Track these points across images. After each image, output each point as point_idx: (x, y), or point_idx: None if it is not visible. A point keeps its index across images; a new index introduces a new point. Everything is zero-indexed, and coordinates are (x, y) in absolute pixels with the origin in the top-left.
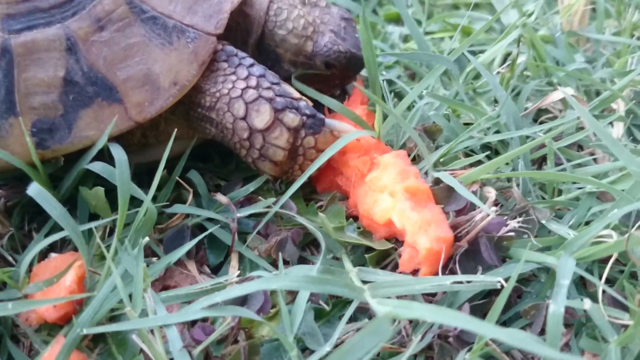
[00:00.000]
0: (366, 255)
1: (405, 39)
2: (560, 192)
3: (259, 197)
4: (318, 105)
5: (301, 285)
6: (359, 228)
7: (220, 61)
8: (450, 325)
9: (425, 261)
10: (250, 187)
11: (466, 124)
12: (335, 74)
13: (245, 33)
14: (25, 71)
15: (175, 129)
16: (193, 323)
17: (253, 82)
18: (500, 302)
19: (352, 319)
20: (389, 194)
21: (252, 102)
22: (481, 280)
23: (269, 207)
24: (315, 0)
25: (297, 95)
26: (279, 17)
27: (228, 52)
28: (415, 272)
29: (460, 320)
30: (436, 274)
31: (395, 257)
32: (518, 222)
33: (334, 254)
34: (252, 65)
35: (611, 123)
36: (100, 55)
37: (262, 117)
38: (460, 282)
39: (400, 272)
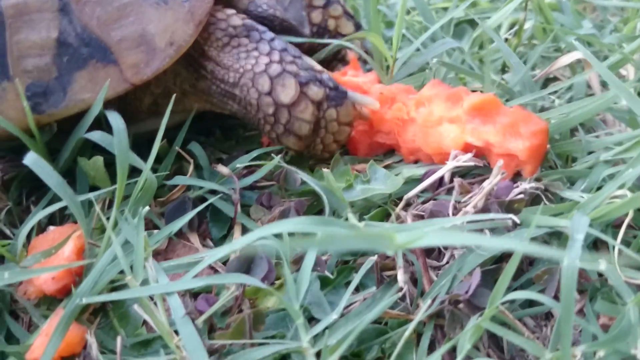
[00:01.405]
0: (366, 217)
1: (409, 11)
2: (574, 160)
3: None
4: None
5: (304, 227)
6: None
7: (242, 37)
8: (457, 244)
9: (529, 159)
10: (253, 153)
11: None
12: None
13: None
14: (17, 33)
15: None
16: (196, 296)
17: (276, 56)
18: (511, 265)
19: (359, 288)
20: (450, 121)
21: (277, 77)
22: (492, 219)
23: (271, 179)
24: None
25: (319, 67)
26: None
27: (248, 26)
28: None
29: (467, 239)
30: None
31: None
32: (529, 185)
33: (340, 214)
34: (273, 39)
35: None
36: (94, 15)
37: (287, 92)
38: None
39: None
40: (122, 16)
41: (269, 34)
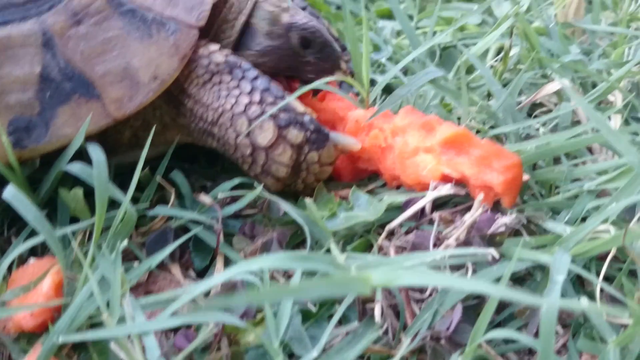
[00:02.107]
0: (349, 248)
1: (398, 33)
2: (557, 189)
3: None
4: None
5: (284, 263)
6: None
7: (224, 74)
8: (434, 285)
9: (506, 192)
10: (235, 181)
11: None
12: (309, 62)
13: (230, 13)
14: (0, 68)
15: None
16: (177, 330)
17: (257, 96)
18: (493, 301)
19: (341, 322)
20: (425, 151)
21: (256, 119)
22: (473, 253)
23: (255, 206)
24: None
25: (301, 109)
26: None
27: (231, 63)
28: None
29: (444, 280)
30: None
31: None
32: (510, 217)
33: (322, 244)
34: (256, 78)
35: (609, 115)
36: (77, 49)
37: (265, 135)
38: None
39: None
40: (106, 50)
41: (253, 72)
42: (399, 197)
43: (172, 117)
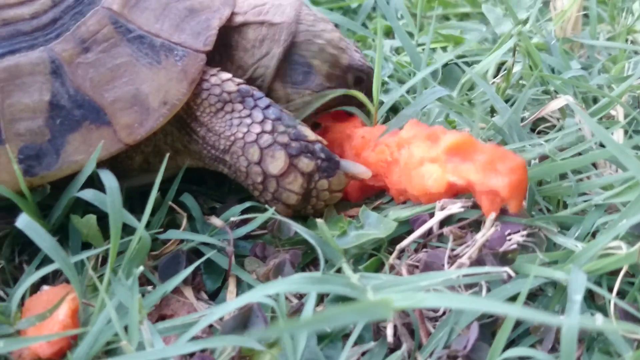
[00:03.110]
0: (360, 267)
1: (397, 51)
2: (565, 204)
3: (256, 216)
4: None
5: (300, 287)
6: None
7: (236, 102)
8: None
9: (512, 195)
10: (246, 204)
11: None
12: (354, 95)
13: (270, 42)
14: (10, 97)
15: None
16: (193, 354)
17: (268, 126)
18: (510, 320)
19: (357, 342)
20: (431, 161)
21: (267, 148)
22: (487, 272)
23: (265, 227)
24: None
25: (312, 137)
26: (315, 27)
27: (243, 92)
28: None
29: (465, 302)
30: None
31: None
32: (522, 236)
33: (333, 263)
34: (267, 107)
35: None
36: (87, 77)
37: (276, 164)
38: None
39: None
40: (115, 77)
41: (265, 101)
42: (407, 212)
43: (184, 143)
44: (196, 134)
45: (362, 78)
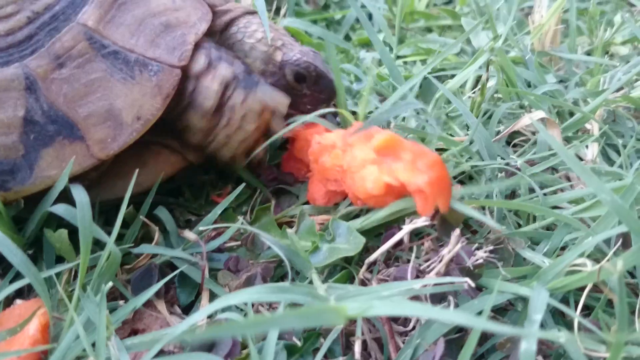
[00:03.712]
0: (330, 280)
1: (379, 63)
2: (535, 219)
3: (229, 226)
4: None
5: (263, 296)
6: None
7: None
8: (410, 314)
9: (434, 192)
10: (217, 210)
11: (438, 149)
12: (306, 95)
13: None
14: None
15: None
16: None
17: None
18: (473, 337)
19: (327, 356)
20: (371, 163)
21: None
22: (449, 282)
23: (239, 239)
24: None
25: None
26: (248, 28)
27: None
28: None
29: (419, 310)
30: (449, 202)
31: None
32: (485, 251)
33: (305, 275)
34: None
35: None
36: (61, 92)
37: (199, 61)
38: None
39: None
40: (89, 92)
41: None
42: (373, 220)
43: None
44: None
45: (301, 74)
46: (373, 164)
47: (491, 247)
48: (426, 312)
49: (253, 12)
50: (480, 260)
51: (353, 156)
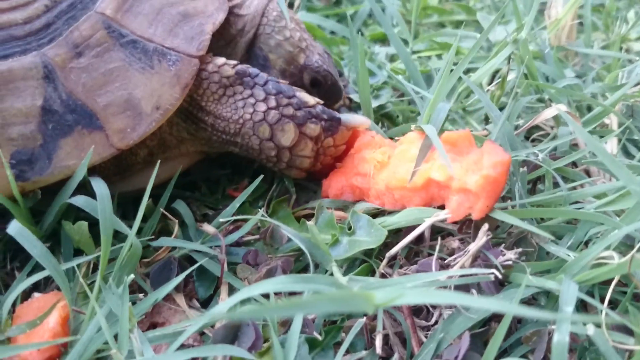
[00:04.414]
0: (350, 274)
1: (392, 58)
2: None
3: (248, 218)
4: None
5: (286, 286)
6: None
7: (236, 85)
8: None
9: (482, 192)
10: (236, 204)
11: None
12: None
13: (235, 32)
14: (2, 101)
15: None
16: None
17: (272, 102)
18: (501, 329)
19: (349, 350)
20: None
21: (276, 123)
22: (475, 273)
23: (255, 234)
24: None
25: (312, 101)
26: (278, 23)
27: (240, 73)
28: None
29: (452, 298)
30: (492, 207)
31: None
32: (515, 253)
33: (325, 268)
34: (266, 82)
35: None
36: (79, 81)
37: (287, 136)
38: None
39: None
40: (108, 82)
41: (262, 77)
42: (394, 219)
43: (191, 132)
44: (204, 123)
45: (318, 80)
46: (426, 161)
47: (520, 250)
48: (457, 299)
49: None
50: (509, 262)
51: (407, 149)
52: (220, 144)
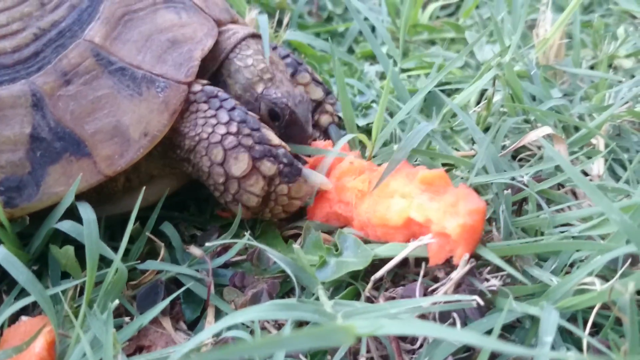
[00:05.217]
0: (337, 297)
1: (382, 76)
2: (542, 235)
3: (235, 242)
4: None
5: (270, 314)
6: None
7: (201, 102)
8: (420, 334)
9: (460, 240)
10: (226, 236)
11: (444, 165)
12: (277, 131)
13: (217, 56)
14: None
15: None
16: None
17: (234, 128)
18: (484, 354)
19: None
20: (401, 196)
21: (231, 150)
22: (457, 299)
23: (243, 255)
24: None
25: (276, 142)
26: (243, 51)
27: (208, 92)
28: (447, 263)
29: (429, 329)
30: (472, 252)
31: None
32: (500, 279)
33: (311, 291)
34: (233, 108)
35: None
36: (67, 109)
37: (239, 165)
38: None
39: (431, 267)
40: (96, 109)
41: (231, 102)
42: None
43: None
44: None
45: (276, 112)
46: (402, 197)
47: (504, 273)
48: (436, 331)
49: (258, 36)
50: (494, 288)
51: (387, 184)
52: (175, 161)
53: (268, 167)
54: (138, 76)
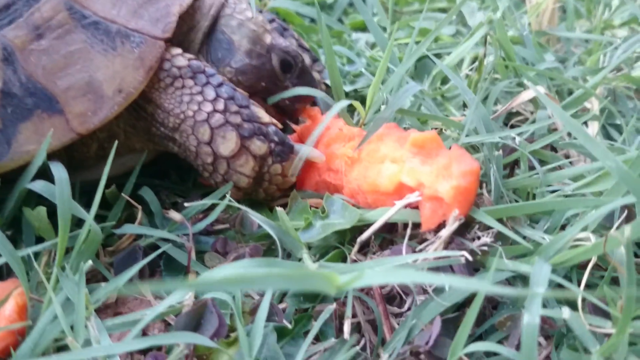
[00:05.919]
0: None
1: (372, 46)
2: (534, 196)
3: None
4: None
5: (247, 270)
6: None
7: (187, 78)
8: (405, 281)
9: (454, 202)
10: (207, 200)
11: (434, 129)
12: (286, 88)
13: (200, 16)
14: None
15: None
16: (147, 352)
17: (220, 105)
18: (472, 311)
19: (318, 338)
20: (391, 161)
21: (219, 128)
22: (446, 255)
23: (227, 221)
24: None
25: (266, 119)
26: (238, 5)
27: (195, 67)
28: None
29: (414, 276)
30: (466, 215)
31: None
32: (490, 236)
33: (295, 255)
34: (220, 84)
35: (585, 122)
36: (39, 64)
37: (227, 145)
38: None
39: (423, 232)
40: (68, 64)
41: (217, 78)
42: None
43: (132, 122)
44: (144, 111)
45: (289, 62)
46: (393, 162)
47: (495, 230)
48: (422, 277)
49: None
50: (485, 247)
51: (376, 148)
52: (160, 139)
53: (258, 146)
54: (112, 30)
